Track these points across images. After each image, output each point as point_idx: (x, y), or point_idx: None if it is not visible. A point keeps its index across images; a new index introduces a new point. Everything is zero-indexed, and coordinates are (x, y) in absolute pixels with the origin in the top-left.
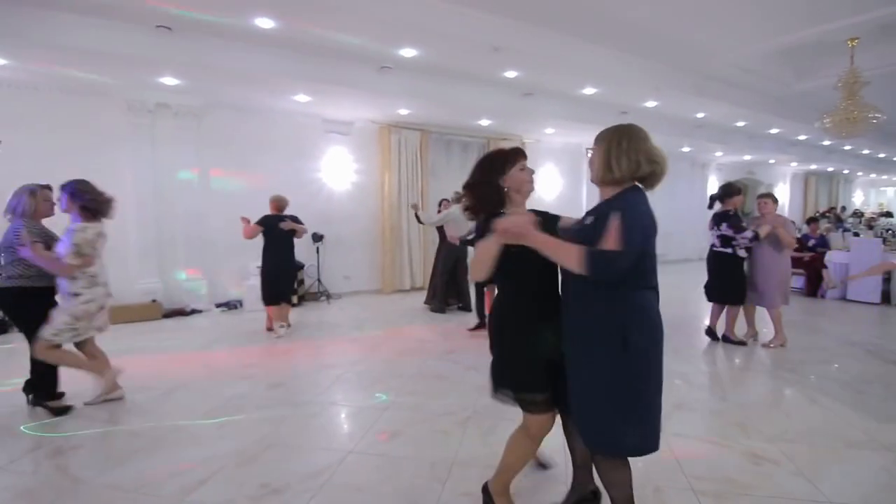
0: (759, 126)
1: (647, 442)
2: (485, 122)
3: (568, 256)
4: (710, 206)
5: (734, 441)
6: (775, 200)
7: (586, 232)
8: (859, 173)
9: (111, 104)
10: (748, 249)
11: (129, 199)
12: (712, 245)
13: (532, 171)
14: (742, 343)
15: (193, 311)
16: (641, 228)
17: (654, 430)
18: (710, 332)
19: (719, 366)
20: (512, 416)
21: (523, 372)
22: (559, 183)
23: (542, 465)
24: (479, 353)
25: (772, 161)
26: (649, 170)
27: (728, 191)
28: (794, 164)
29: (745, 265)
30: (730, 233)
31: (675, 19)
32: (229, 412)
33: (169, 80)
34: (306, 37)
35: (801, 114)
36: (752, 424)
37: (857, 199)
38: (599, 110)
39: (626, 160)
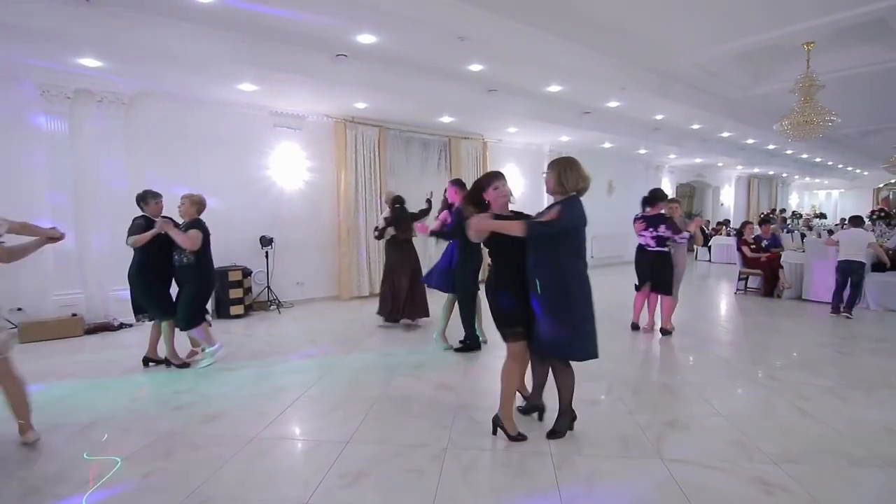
0: (713, 129)
1: (587, 352)
2: (446, 120)
3: (514, 228)
4: (643, 209)
5: (738, 465)
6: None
7: (539, 216)
8: (796, 177)
9: (19, 88)
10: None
11: (43, 199)
12: (646, 246)
13: (506, 190)
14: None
15: (122, 325)
16: (571, 216)
17: (592, 343)
18: (636, 326)
19: (702, 374)
20: (492, 445)
21: (509, 314)
22: (521, 183)
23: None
24: (449, 367)
25: (720, 164)
26: (583, 185)
27: (656, 195)
28: (739, 167)
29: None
30: (668, 234)
31: (645, 17)
32: (156, 456)
33: (89, 62)
34: (252, 17)
35: (753, 117)
36: (752, 443)
37: (793, 201)
38: (563, 109)
39: (572, 179)
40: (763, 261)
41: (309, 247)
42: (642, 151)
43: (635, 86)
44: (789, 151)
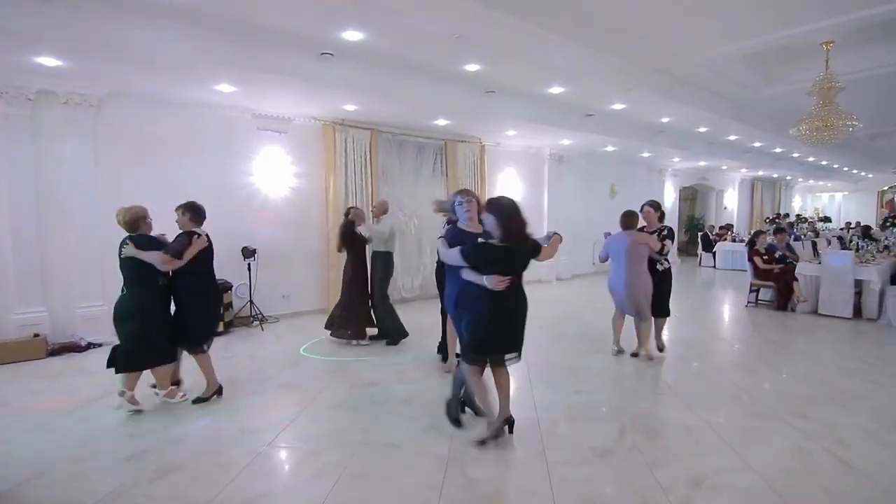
0: (720, 132)
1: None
2: (442, 122)
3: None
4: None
5: None
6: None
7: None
8: (799, 179)
9: None
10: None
11: (2, 209)
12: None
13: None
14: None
15: (90, 346)
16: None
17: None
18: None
19: (723, 412)
20: None
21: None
22: (520, 188)
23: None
24: (440, 403)
25: (724, 167)
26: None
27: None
28: (743, 170)
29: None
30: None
31: (653, 15)
32: None
33: (48, 61)
34: (228, 12)
35: (763, 120)
36: None
37: (796, 204)
38: (564, 112)
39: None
40: (776, 273)
41: (295, 257)
42: (646, 155)
43: (642, 87)
44: (796, 154)
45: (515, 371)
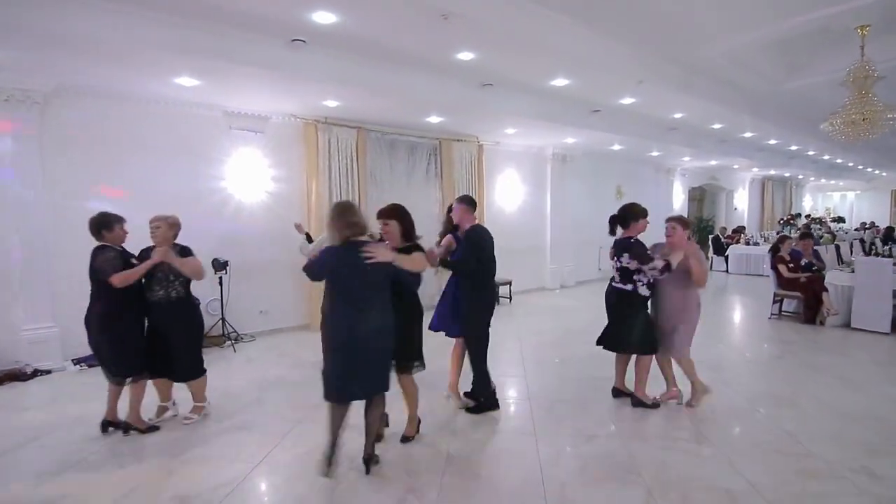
0: (734, 128)
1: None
2: (435, 120)
3: None
4: (612, 232)
5: None
6: (686, 225)
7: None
8: (811, 178)
9: None
10: (651, 286)
11: None
12: (611, 280)
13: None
14: (655, 405)
15: (37, 373)
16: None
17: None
18: (618, 391)
19: (770, 468)
20: None
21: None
22: (521, 191)
23: None
24: (434, 464)
25: (735, 166)
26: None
27: (631, 212)
28: (755, 169)
29: (650, 305)
30: (632, 265)
31: None
32: None
33: None
34: None
35: (780, 116)
36: None
37: (807, 204)
38: (569, 107)
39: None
40: (803, 282)
41: (274, 269)
42: (654, 153)
43: (654, 79)
44: (811, 152)
45: (513, 412)
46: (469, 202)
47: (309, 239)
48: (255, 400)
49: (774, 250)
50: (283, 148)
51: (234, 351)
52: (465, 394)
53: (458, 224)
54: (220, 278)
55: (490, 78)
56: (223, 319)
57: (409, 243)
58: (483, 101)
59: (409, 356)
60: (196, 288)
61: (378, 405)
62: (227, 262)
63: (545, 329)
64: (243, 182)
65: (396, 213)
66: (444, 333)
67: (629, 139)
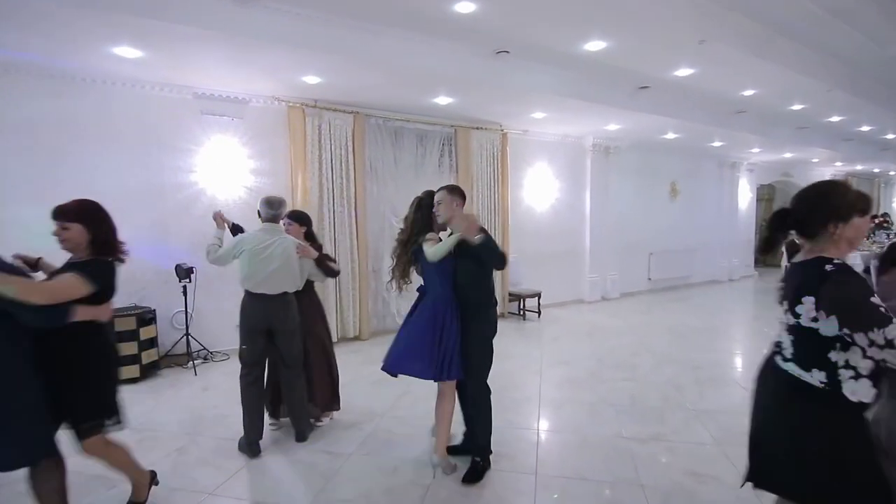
0: (820, 110)
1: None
2: (444, 101)
3: None
4: (772, 246)
5: None
6: None
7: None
8: None
9: None
10: (878, 375)
11: None
12: (774, 352)
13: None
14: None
15: None
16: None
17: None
18: None
19: None
20: None
21: None
22: (555, 187)
23: None
24: None
25: (815, 160)
26: None
27: (831, 199)
28: (838, 163)
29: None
30: (842, 330)
31: None
32: None
33: None
34: None
35: (881, 92)
36: None
37: None
38: (609, 81)
39: None
40: None
41: None
42: (717, 144)
43: (720, 37)
44: None
45: (504, 493)
46: (462, 194)
47: (235, 231)
48: (175, 451)
49: (891, 260)
50: (264, 136)
51: (196, 374)
52: (451, 450)
53: (448, 223)
54: (185, 287)
55: (505, 43)
56: (188, 335)
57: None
58: (499, 73)
59: (93, 412)
60: (156, 298)
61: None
62: (191, 268)
63: (576, 358)
64: (217, 175)
65: (83, 214)
66: (417, 377)
67: (686, 125)
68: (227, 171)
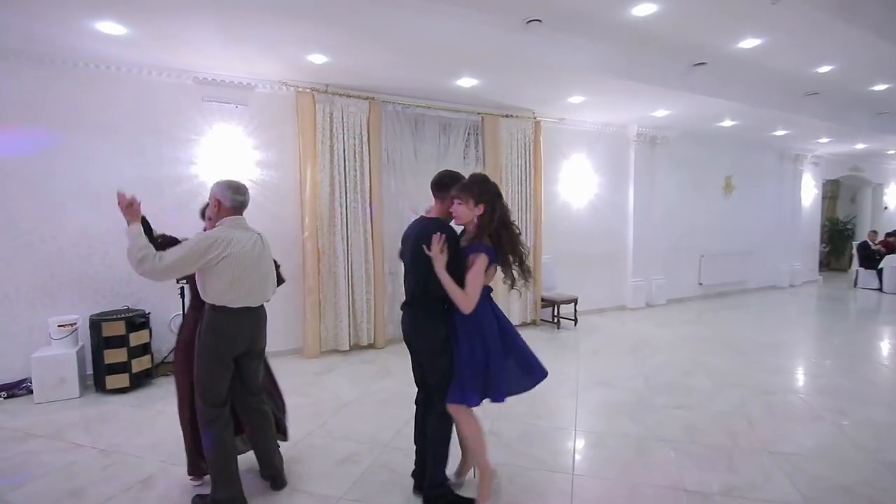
0: None
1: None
2: (467, 83)
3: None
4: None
5: None
6: None
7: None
8: None
9: None
10: None
11: None
12: None
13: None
14: None
15: None
16: None
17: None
18: None
19: None
20: None
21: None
22: (594, 181)
23: None
24: None
25: (891, 151)
26: None
27: None
28: None
29: None
30: None
31: None
32: None
33: None
34: None
35: None
36: None
37: None
38: (657, 57)
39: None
40: None
41: None
42: (779, 133)
43: None
44: None
45: None
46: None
47: (146, 228)
48: (141, 483)
49: None
50: (271, 125)
51: None
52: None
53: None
54: (182, 289)
55: (536, 10)
56: None
57: None
58: (529, 47)
59: None
60: (152, 301)
61: None
62: None
63: (619, 377)
64: (220, 167)
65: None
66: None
67: (746, 110)
68: (230, 162)
